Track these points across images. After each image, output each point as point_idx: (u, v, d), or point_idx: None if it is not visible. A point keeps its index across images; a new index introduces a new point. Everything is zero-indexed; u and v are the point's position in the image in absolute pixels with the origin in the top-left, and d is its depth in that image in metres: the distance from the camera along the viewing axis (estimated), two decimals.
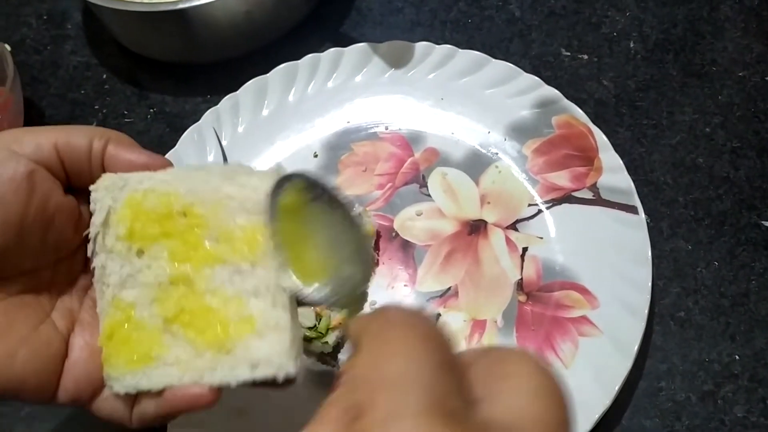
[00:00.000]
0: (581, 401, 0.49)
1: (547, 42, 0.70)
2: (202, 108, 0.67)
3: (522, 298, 0.56)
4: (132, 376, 0.36)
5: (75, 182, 0.39)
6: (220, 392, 0.36)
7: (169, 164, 0.39)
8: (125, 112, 0.71)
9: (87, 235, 0.39)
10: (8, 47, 0.67)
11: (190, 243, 0.37)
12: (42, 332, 0.37)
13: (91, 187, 0.37)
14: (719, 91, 0.65)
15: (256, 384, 0.35)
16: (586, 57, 0.69)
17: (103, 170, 0.38)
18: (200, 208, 0.37)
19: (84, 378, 0.38)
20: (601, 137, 0.60)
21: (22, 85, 0.68)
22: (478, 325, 0.55)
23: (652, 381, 0.53)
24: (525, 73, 0.64)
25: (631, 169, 0.60)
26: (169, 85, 0.72)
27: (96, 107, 0.71)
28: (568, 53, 0.70)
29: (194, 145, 0.64)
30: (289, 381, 0.35)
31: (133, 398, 0.37)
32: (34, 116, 0.71)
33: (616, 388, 0.50)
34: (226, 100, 0.65)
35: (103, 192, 0.37)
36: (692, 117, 0.64)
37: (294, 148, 0.65)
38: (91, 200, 0.38)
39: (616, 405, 0.50)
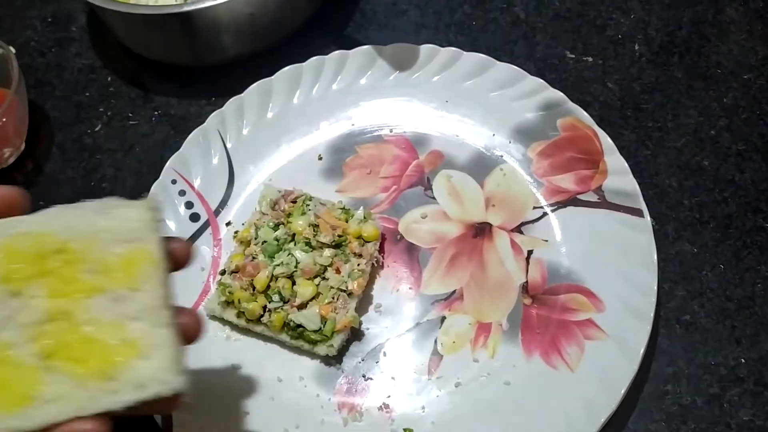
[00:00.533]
0: (587, 405, 0.49)
1: (552, 44, 0.70)
2: (206, 110, 0.67)
3: (527, 301, 0.56)
4: (11, 418, 0.35)
5: None
6: (107, 420, 0.36)
7: (25, 193, 0.40)
8: (130, 115, 0.71)
9: None
10: (13, 50, 0.67)
11: (67, 278, 0.37)
12: None
13: None
14: (724, 93, 0.65)
15: (145, 407, 0.36)
16: (590, 59, 0.69)
17: None
18: (76, 244, 0.38)
19: None
20: (606, 140, 0.60)
21: (26, 88, 0.68)
22: (483, 328, 0.55)
23: (658, 384, 0.53)
24: (530, 76, 0.64)
25: (636, 171, 0.60)
26: (173, 87, 0.72)
27: (101, 110, 0.71)
28: (573, 56, 0.69)
29: (199, 147, 0.64)
30: (176, 400, 0.36)
31: None
32: (38, 119, 0.71)
33: (622, 391, 0.49)
34: (231, 103, 0.65)
35: None
36: (697, 120, 0.64)
37: (299, 150, 0.65)
38: None
39: (622, 408, 0.50)
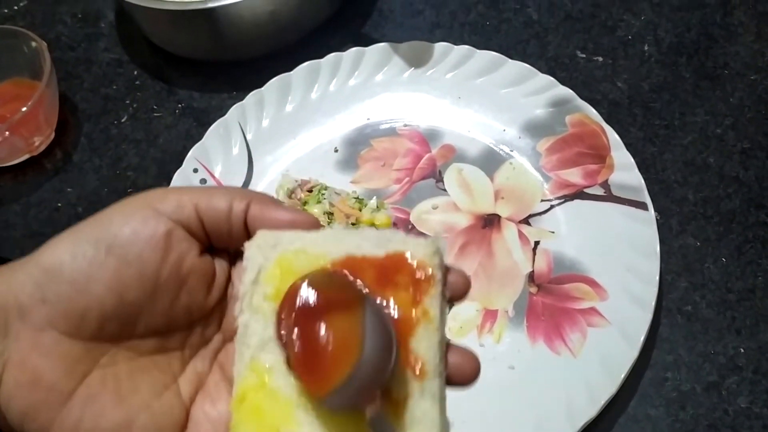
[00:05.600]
0: (588, 389, 0.51)
1: (563, 44, 0.72)
2: (227, 104, 0.69)
3: (533, 289, 0.58)
4: None
5: (216, 242, 0.38)
6: None
7: (315, 220, 0.39)
8: (155, 107, 0.74)
9: (223, 297, 0.38)
10: (45, 44, 0.70)
11: None
12: (165, 399, 0.36)
13: (246, 245, 0.36)
14: (731, 93, 0.67)
15: None
16: (601, 59, 0.71)
17: (246, 231, 0.37)
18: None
19: None
20: (613, 136, 0.62)
21: (57, 81, 0.71)
22: (490, 315, 0.57)
23: (659, 371, 0.54)
24: (540, 74, 0.66)
25: (643, 167, 0.61)
26: (196, 81, 0.75)
27: (127, 102, 0.74)
28: (584, 55, 0.71)
29: (220, 138, 0.66)
30: None
31: None
32: (67, 110, 0.74)
33: (622, 376, 0.51)
34: (251, 96, 0.68)
35: (255, 250, 0.35)
36: (704, 118, 0.66)
37: (316, 142, 0.67)
38: (244, 258, 0.36)
39: (623, 394, 0.52)
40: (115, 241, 0.35)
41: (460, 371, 0.34)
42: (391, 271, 0.34)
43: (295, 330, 0.32)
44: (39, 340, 0.34)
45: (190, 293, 0.37)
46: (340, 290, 0.33)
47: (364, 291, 0.33)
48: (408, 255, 0.34)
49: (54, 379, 0.34)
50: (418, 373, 0.32)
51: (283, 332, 0.32)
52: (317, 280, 0.33)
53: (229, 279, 0.39)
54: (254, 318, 0.35)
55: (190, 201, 0.37)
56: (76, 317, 0.34)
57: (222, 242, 0.38)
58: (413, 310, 0.33)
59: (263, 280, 0.35)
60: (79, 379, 0.34)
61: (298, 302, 0.32)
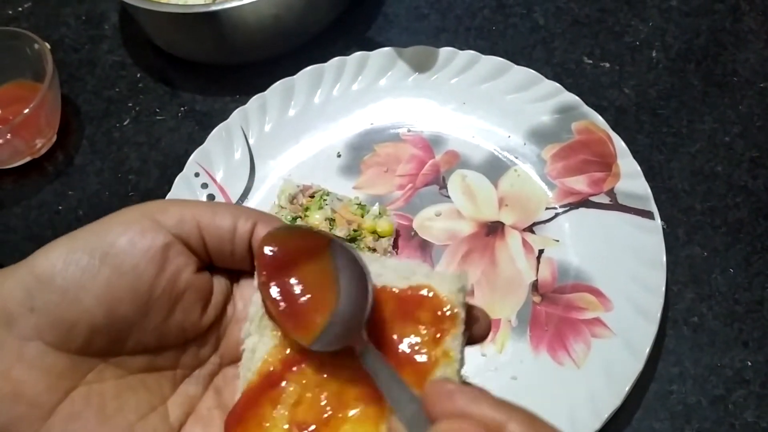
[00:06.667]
0: (592, 401, 0.50)
1: (570, 50, 0.72)
2: (230, 107, 0.69)
3: (537, 298, 0.57)
4: None
5: (216, 261, 0.37)
6: None
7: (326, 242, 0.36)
8: (157, 110, 0.73)
9: (220, 317, 0.37)
10: (48, 46, 0.70)
11: None
12: (149, 422, 0.35)
13: (257, 263, 0.34)
14: (740, 101, 0.66)
15: None
16: (608, 65, 0.70)
17: (249, 252, 0.36)
18: None
19: None
20: (619, 143, 0.61)
21: (60, 82, 0.71)
22: (493, 324, 0.56)
23: (664, 384, 0.53)
24: (546, 80, 0.65)
25: (650, 175, 0.61)
26: (199, 84, 0.74)
27: (130, 104, 0.74)
28: (590, 61, 0.71)
29: (222, 142, 0.66)
30: None
31: None
32: (70, 112, 0.74)
33: (627, 388, 0.50)
34: (254, 100, 0.67)
35: None
36: (712, 126, 0.65)
37: (318, 147, 0.67)
38: (255, 276, 0.34)
39: (627, 406, 0.51)
40: (110, 250, 0.34)
41: (477, 332, 0.34)
42: (413, 305, 0.33)
43: (271, 286, 0.32)
44: (24, 351, 0.33)
45: (185, 311, 0.35)
46: (304, 239, 0.33)
47: (327, 235, 0.33)
48: (432, 290, 0.32)
49: (36, 393, 0.33)
50: None
51: (263, 292, 0.33)
52: (280, 234, 0.33)
53: (227, 299, 0.37)
54: (262, 342, 0.33)
55: (193, 216, 0.35)
56: (64, 328, 0.33)
57: (223, 261, 0.37)
58: (433, 350, 0.32)
59: None
60: (62, 395, 0.33)
61: (267, 260, 0.32)
